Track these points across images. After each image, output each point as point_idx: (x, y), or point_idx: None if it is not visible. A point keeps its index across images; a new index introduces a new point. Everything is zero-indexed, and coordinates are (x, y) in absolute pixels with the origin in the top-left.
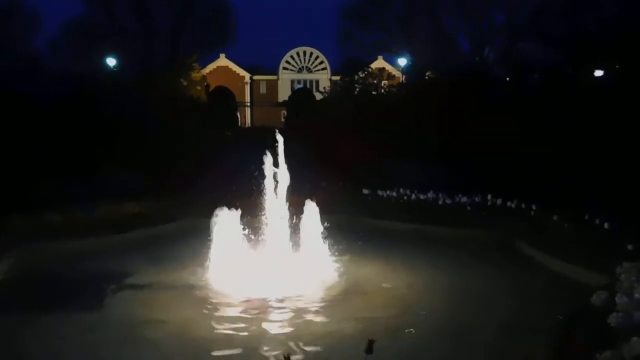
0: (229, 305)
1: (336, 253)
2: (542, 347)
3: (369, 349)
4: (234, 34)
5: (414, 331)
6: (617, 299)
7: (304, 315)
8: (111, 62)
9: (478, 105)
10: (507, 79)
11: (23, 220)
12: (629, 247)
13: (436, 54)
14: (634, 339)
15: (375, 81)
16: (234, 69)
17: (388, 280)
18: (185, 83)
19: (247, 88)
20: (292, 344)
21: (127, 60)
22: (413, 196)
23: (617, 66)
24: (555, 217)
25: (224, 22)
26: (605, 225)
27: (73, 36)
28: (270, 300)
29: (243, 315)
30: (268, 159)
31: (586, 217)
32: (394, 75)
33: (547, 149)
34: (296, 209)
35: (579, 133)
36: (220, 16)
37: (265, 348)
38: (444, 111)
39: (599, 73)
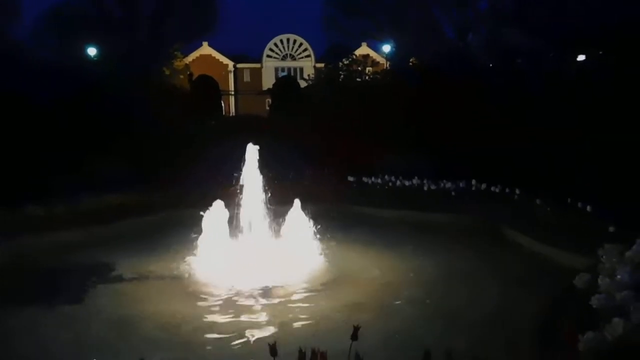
0: (215, 295)
1: (322, 240)
2: (526, 328)
3: (354, 336)
4: (217, 23)
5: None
6: (599, 281)
7: (291, 303)
8: (92, 51)
9: (461, 91)
10: (491, 65)
11: (6, 213)
12: (611, 229)
13: (421, 40)
14: (616, 319)
15: (359, 68)
16: (217, 57)
17: (375, 266)
18: (167, 72)
19: (231, 76)
20: (279, 332)
21: (109, 49)
22: (398, 182)
23: (600, 52)
24: (538, 201)
25: (208, 10)
26: (587, 208)
27: (54, 25)
28: (256, 289)
29: (229, 304)
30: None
31: (568, 201)
32: (378, 62)
33: (530, 134)
34: (280, 196)
35: (562, 118)
36: (204, 4)
37: (252, 337)
38: (426, 98)
39: (581, 57)
